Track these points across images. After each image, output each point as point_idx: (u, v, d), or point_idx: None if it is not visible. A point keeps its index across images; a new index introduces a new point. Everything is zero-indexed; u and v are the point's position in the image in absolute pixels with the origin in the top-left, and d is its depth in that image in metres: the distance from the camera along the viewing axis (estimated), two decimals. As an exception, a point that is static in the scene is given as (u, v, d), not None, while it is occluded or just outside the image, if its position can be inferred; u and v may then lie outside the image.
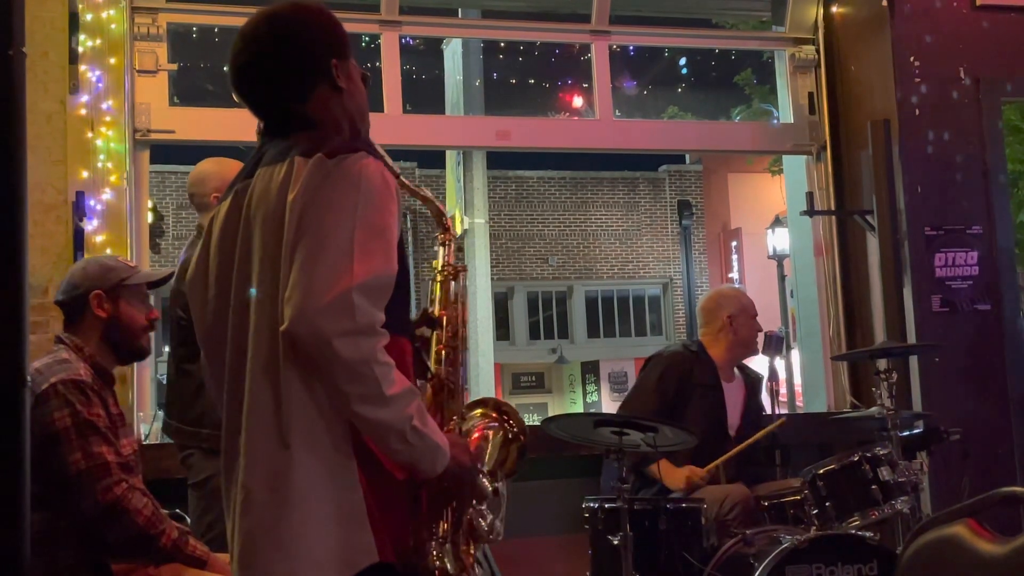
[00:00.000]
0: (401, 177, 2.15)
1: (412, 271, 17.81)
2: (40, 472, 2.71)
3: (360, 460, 1.87)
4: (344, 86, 2.07)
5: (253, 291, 1.93)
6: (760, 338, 4.53)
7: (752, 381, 4.62)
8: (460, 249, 2.36)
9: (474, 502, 2.07)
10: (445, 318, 2.21)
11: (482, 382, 14.06)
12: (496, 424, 2.33)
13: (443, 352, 2.18)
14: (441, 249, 2.31)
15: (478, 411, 2.37)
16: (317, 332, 1.78)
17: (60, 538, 2.74)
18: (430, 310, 2.24)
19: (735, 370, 4.59)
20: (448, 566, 1.97)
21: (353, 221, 1.84)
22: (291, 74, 2.06)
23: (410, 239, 18.54)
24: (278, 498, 1.85)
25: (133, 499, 2.72)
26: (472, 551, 2.08)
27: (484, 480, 2.14)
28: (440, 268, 2.28)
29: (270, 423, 1.88)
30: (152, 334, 3.10)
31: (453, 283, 2.27)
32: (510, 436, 2.32)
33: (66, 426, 2.71)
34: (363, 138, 2.13)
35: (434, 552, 1.98)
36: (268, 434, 1.88)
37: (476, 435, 2.28)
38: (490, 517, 2.11)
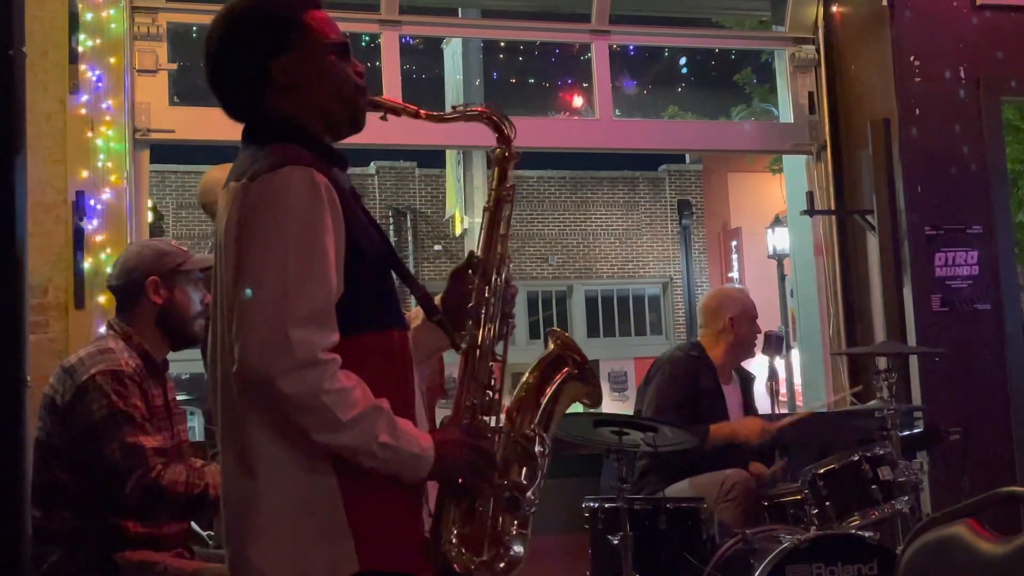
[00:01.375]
0: (430, 112, 2.11)
1: (411, 257, 17.79)
2: (79, 465, 2.74)
3: (341, 473, 1.84)
4: (294, 82, 1.97)
5: (248, 293, 1.87)
6: (759, 338, 4.54)
7: (746, 381, 4.62)
8: (516, 157, 2.18)
9: (509, 480, 2.01)
10: (483, 264, 2.10)
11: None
12: (554, 375, 2.18)
13: (474, 309, 2.07)
14: (493, 168, 2.17)
15: (551, 345, 2.22)
16: (259, 374, 1.76)
17: (82, 538, 2.75)
18: (475, 252, 2.13)
19: (732, 371, 4.60)
20: (464, 560, 1.93)
21: (284, 247, 1.79)
22: (233, 87, 2.01)
23: (410, 238, 18.54)
24: (247, 525, 1.85)
25: (166, 474, 2.72)
26: (508, 530, 2.00)
27: (528, 447, 2.05)
28: (487, 193, 2.17)
29: (235, 453, 1.88)
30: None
31: (503, 212, 2.13)
32: (568, 377, 2.19)
33: (103, 417, 2.72)
34: (336, 122, 2.02)
35: (452, 552, 1.93)
36: (234, 463, 1.88)
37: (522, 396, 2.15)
38: (524, 489, 2.02)
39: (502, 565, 1.98)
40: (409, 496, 1.92)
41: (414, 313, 2.21)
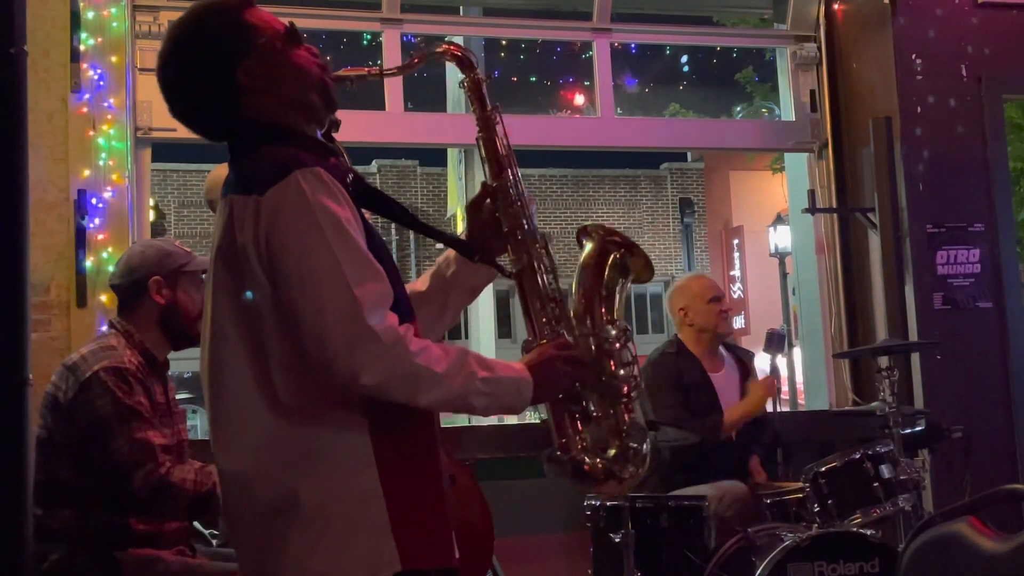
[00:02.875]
0: (391, 68, 2.13)
1: (412, 256, 17.81)
2: (82, 462, 2.74)
3: (384, 471, 1.84)
4: (263, 84, 1.94)
5: (249, 294, 1.87)
6: (725, 319, 4.49)
7: (742, 362, 4.59)
8: (486, 79, 2.21)
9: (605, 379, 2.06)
10: (500, 188, 2.13)
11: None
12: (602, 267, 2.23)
13: (511, 233, 2.11)
14: (472, 99, 2.18)
15: (588, 243, 2.27)
16: (353, 369, 1.77)
17: (83, 536, 2.75)
18: (487, 181, 2.15)
19: (725, 354, 4.57)
20: (595, 461, 2.01)
21: (327, 249, 1.79)
22: (206, 113, 2.00)
23: (411, 236, 18.54)
24: (285, 523, 1.83)
25: (175, 471, 2.73)
26: (623, 419, 2.06)
27: (609, 339, 2.10)
28: (476, 124, 2.17)
29: (264, 453, 1.85)
30: None
31: (495, 132, 2.15)
32: (617, 262, 2.23)
33: (108, 413, 2.73)
34: (313, 109, 1.99)
35: (585, 457, 2.01)
36: (266, 464, 1.85)
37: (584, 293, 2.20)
38: (623, 379, 2.08)
39: (631, 453, 2.05)
40: (441, 494, 1.94)
41: (444, 259, 2.24)
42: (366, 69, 2.12)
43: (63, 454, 2.77)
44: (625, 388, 2.08)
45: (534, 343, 2.05)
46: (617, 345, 2.11)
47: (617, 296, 2.21)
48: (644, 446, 2.07)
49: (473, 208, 2.18)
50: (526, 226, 2.11)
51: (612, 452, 2.04)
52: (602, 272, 2.22)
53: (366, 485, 1.83)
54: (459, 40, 12.51)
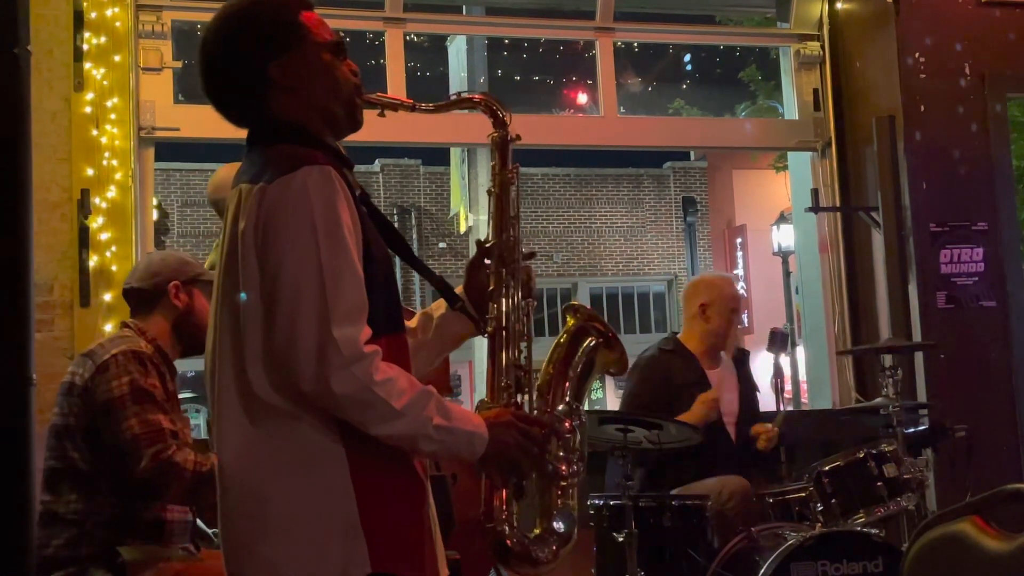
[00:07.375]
0: (426, 104, 2.13)
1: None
2: (92, 441, 2.77)
3: (356, 475, 1.83)
4: (294, 84, 1.97)
5: (243, 295, 1.87)
6: (735, 334, 4.45)
7: (739, 360, 4.56)
8: (515, 139, 2.19)
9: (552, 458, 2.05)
10: (497, 248, 2.12)
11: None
12: (572, 351, 2.23)
13: (495, 292, 2.10)
14: (494, 153, 2.18)
15: (571, 319, 2.27)
16: (312, 377, 1.77)
17: (87, 523, 2.77)
18: (488, 239, 2.15)
19: (721, 353, 4.52)
20: (517, 536, 1.99)
21: (315, 250, 1.79)
22: (234, 92, 2.02)
23: (415, 236, 18.55)
24: (260, 523, 1.83)
25: (178, 453, 2.76)
26: (555, 503, 2.06)
27: (559, 423, 2.10)
28: (491, 179, 2.18)
29: (244, 451, 1.86)
30: None
31: (509, 194, 2.15)
32: (594, 347, 2.23)
33: (123, 393, 2.77)
34: (337, 121, 2.02)
35: (505, 529, 1.98)
36: (243, 463, 1.86)
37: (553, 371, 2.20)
38: (566, 462, 2.08)
39: (555, 537, 2.04)
40: (419, 500, 1.93)
41: (436, 304, 2.23)
42: (399, 98, 2.13)
43: (75, 436, 2.80)
44: (564, 472, 2.07)
45: (490, 405, 2.04)
46: (568, 429, 2.11)
47: (582, 380, 2.21)
48: (569, 532, 2.06)
49: (473, 265, 2.19)
50: (512, 290, 2.11)
51: (536, 532, 2.03)
52: (574, 353, 2.23)
53: (338, 486, 1.82)
54: (462, 39, 12.46)
